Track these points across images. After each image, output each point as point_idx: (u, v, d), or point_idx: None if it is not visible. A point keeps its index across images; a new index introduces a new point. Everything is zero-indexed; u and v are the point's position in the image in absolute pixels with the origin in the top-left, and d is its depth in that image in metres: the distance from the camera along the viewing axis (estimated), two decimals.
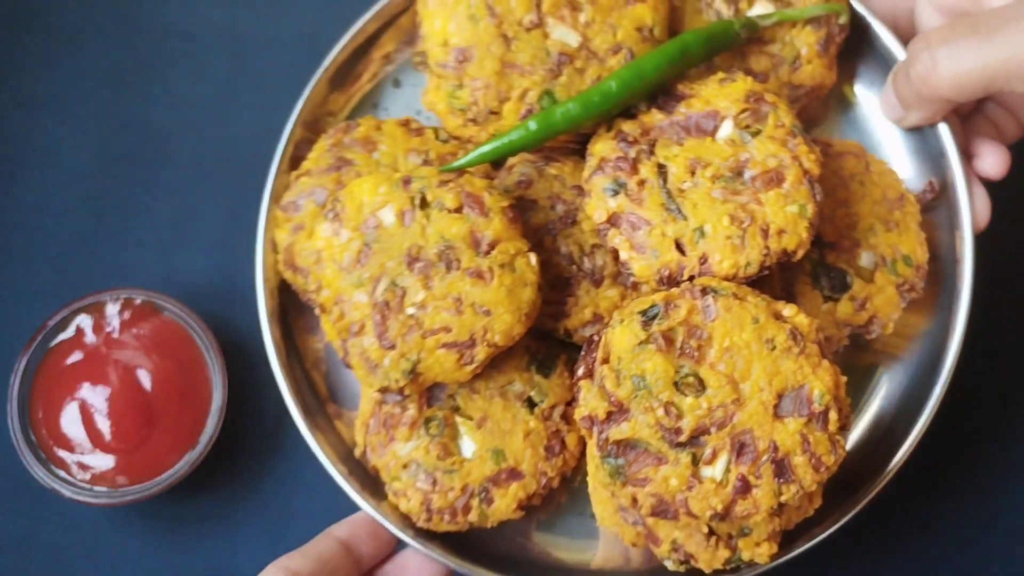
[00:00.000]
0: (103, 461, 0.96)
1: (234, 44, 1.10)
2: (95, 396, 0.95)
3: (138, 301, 0.99)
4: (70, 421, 0.96)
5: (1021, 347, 1.04)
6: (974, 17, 0.84)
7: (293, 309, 0.97)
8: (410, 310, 0.84)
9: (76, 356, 0.97)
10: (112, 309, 0.98)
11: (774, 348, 0.80)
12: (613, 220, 0.85)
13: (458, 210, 0.85)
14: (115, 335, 0.98)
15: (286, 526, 1.01)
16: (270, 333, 0.94)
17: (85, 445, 0.96)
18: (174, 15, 1.11)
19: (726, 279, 0.83)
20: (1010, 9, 0.81)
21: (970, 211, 0.92)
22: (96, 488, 0.96)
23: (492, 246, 0.84)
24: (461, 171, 0.88)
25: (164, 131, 1.08)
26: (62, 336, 0.98)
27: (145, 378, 0.96)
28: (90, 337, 0.98)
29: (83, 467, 0.96)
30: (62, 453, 0.96)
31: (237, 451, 1.02)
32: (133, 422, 0.96)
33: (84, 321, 0.98)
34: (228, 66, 1.10)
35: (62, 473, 0.96)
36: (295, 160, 0.96)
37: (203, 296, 1.04)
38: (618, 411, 0.80)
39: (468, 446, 0.89)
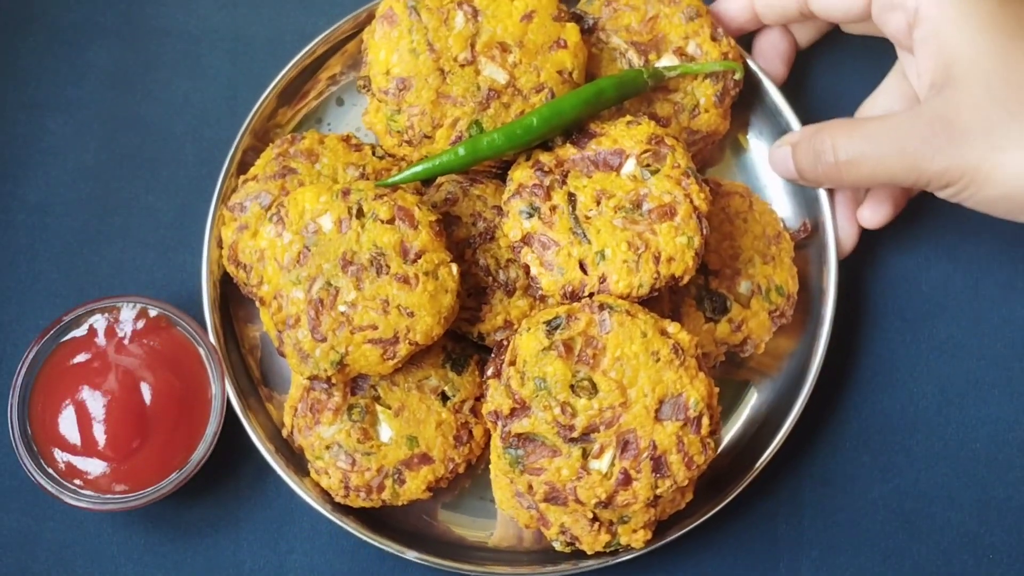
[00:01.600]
0: (92, 466, 0.94)
1: (235, 45, 1.11)
2: (93, 400, 0.94)
3: (153, 313, 0.97)
4: (66, 421, 0.94)
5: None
6: (875, 122, 0.92)
7: (234, 299, 1.01)
8: (342, 308, 0.89)
9: (83, 356, 0.96)
10: (127, 314, 0.97)
11: (658, 360, 0.87)
12: (526, 239, 0.91)
13: (390, 221, 0.90)
14: (126, 341, 0.96)
15: (287, 525, 1.02)
16: (211, 319, 0.98)
17: (78, 447, 0.94)
18: (175, 16, 1.11)
19: (621, 298, 0.89)
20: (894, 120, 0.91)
21: (835, 250, 0.99)
22: (84, 492, 0.94)
23: (419, 255, 0.90)
24: (395, 187, 0.93)
25: (166, 131, 1.09)
26: (75, 332, 0.97)
27: (146, 391, 0.95)
28: (101, 339, 0.96)
29: (72, 468, 0.95)
30: (54, 450, 0.95)
31: (239, 449, 1.01)
32: (126, 432, 0.94)
33: (99, 322, 0.97)
34: (229, 67, 1.10)
35: (51, 470, 0.95)
36: (243, 165, 1.01)
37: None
38: (520, 408, 0.87)
39: (386, 432, 0.95)
